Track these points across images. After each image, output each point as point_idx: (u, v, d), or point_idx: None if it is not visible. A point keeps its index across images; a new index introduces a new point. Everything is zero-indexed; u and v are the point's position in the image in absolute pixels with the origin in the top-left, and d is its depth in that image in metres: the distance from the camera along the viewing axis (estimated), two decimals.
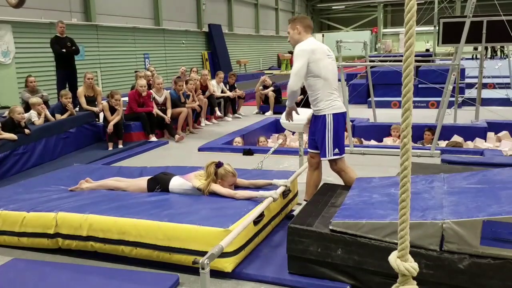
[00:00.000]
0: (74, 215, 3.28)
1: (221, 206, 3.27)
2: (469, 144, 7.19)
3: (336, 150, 3.58)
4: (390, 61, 10.64)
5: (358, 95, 11.12)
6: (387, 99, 10.83)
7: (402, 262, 1.51)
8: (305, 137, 6.37)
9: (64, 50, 8.53)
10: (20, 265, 3.14)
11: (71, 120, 6.93)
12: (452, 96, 7.36)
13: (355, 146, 6.26)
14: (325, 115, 3.56)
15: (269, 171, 4.44)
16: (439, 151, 5.73)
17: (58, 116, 6.87)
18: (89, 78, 7.74)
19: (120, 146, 6.94)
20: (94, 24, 13.93)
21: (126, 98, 7.73)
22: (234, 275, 2.86)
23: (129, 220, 3.09)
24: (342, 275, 2.64)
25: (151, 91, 7.80)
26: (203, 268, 2.35)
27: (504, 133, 7.41)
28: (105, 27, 14.36)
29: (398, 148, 1.49)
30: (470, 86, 11.02)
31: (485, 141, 7.22)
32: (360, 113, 9.04)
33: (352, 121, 7.47)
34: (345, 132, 4.27)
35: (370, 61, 8.99)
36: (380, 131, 7.92)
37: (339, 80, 4.46)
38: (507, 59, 12.52)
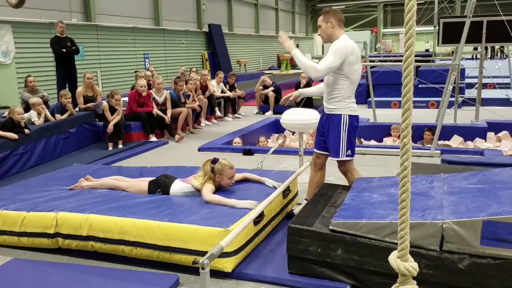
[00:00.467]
0: (74, 215, 3.28)
1: (221, 206, 3.26)
2: (469, 144, 7.19)
3: (349, 152, 3.56)
4: (390, 61, 10.66)
5: (358, 95, 11.04)
6: (387, 99, 10.83)
7: (402, 262, 1.51)
8: (305, 137, 6.39)
9: (64, 50, 8.53)
10: (20, 265, 3.14)
11: (71, 120, 6.93)
12: (452, 96, 7.36)
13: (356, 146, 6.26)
14: (341, 114, 3.51)
15: (269, 171, 4.44)
16: (439, 151, 5.73)
17: (58, 116, 6.87)
18: (89, 78, 7.74)
19: (120, 146, 6.94)
20: (94, 24, 13.93)
21: (126, 98, 7.74)
22: (234, 275, 2.86)
23: (129, 220, 3.09)
24: (342, 275, 2.64)
25: (151, 91, 7.80)
26: (203, 268, 2.35)
27: (504, 133, 7.42)
28: (105, 27, 14.35)
29: (398, 148, 1.49)
30: (470, 86, 11.02)
31: (485, 141, 7.22)
32: (360, 113, 8.98)
33: None
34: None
35: (370, 61, 9.00)
36: (380, 131, 7.92)
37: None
38: (507, 59, 12.52)
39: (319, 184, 3.78)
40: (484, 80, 9.37)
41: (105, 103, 7.16)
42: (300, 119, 4.35)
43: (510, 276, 2.26)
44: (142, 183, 3.86)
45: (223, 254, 2.67)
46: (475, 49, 21.16)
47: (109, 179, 4.06)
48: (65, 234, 3.28)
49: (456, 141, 7.20)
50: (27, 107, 6.95)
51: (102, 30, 14.21)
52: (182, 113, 7.83)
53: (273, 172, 4.33)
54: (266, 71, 21.46)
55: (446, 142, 7.18)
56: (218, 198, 3.33)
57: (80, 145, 6.98)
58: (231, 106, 10.00)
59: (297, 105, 9.35)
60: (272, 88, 10.28)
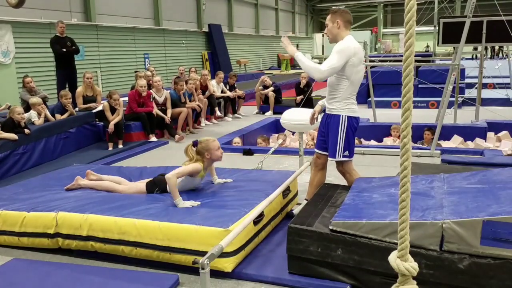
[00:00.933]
0: (74, 215, 3.28)
1: (221, 206, 3.27)
2: (469, 144, 7.19)
3: (346, 153, 3.56)
4: (390, 61, 10.65)
5: (358, 95, 11.03)
6: (387, 99, 10.83)
7: (402, 262, 1.52)
8: (305, 137, 6.39)
9: (64, 50, 8.53)
10: (20, 265, 3.14)
11: (71, 120, 6.94)
12: (452, 96, 7.36)
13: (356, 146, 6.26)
14: (340, 115, 3.52)
15: (269, 171, 4.45)
16: (439, 151, 5.73)
17: (58, 116, 6.87)
18: (88, 78, 7.74)
19: (120, 146, 6.94)
20: (94, 24, 13.93)
21: (126, 98, 7.74)
22: (234, 275, 2.86)
23: (129, 220, 3.09)
24: (342, 275, 2.64)
25: (151, 91, 7.80)
26: (203, 268, 2.35)
27: (504, 133, 7.42)
28: (105, 27, 14.36)
29: (398, 148, 1.49)
30: (470, 86, 11.03)
31: (485, 141, 7.22)
32: (360, 113, 8.97)
33: None
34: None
35: (370, 61, 9.00)
36: (380, 131, 7.92)
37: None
38: (507, 59, 12.52)
39: (319, 184, 3.78)
40: (484, 80, 9.38)
41: (105, 103, 7.17)
42: (300, 119, 4.35)
43: (510, 276, 2.26)
44: (140, 185, 3.88)
45: (223, 254, 2.67)
46: (475, 49, 21.16)
47: (107, 181, 4.05)
48: (65, 234, 3.27)
49: (456, 141, 7.20)
50: (27, 107, 6.96)
51: (102, 30, 14.22)
52: (182, 113, 7.83)
53: (273, 172, 4.33)
54: (266, 71, 21.49)
55: (440, 142, 7.13)
56: (174, 184, 3.37)
57: (80, 145, 6.98)
58: (231, 106, 10.00)
59: (297, 105, 9.37)
60: (272, 88, 10.28)
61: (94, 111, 7.55)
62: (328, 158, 3.66)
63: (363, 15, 37.60)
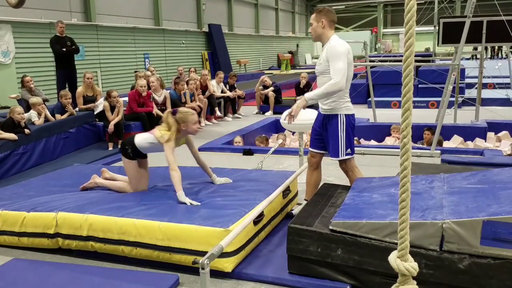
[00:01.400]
0: (74, 215, 3.28)
1: (221, 206, 3.27)
2: (469, 144, 7.19)
3: (349, 150, 3.58)
4: (390, 61, 10.66)
5: (358, 95, 11.10)
6: (387, 99, 10.83)
7: (402, 262, 1.51)
8: (305, 137, 6.39)
9: (64, 50, 8.53)
10: (20, 265, 3.14)
11: (71, 120, 6.93)
12: (452, 96, 7.36)
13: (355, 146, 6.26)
14: (338, 114, 3.53)
15: (269, 171, 4.44)
16: (439, 151, 5.73)
17: (58, 116, 6.87)
18: (89, 78, 7.74)
19: None
20: (94, 24, 13.93)
21: (126, 98, 7.74)
22: (234, 275, 2.86)
23: (129, 220, 3.09)
24: (342, 275, 2.64)
25: (151, 91, 7.80)
26: (203, 268, 2.35)
27: (504, 133, 7.42)
28: (105, 27, 14.36)
29: (398, 148, 1.49)
30: (470, 86, 11.02)
31: (485, 141, 7.22)
32: (360, 113, 8.98)
33: None
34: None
35: (370, 61, 9.00)
36: (380, 131, 7.92)
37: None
38: (507, 59, 12.52)
39: (316, 183, 3.78)
40: (484, 80, 9.37)
41: (106, 103, 7.17)
42: (300, 119, 4.35)
43: (510, 276, 2.26)
44: (142, 180, 3.89)
45: (223, 254, 2.67)
46: (475, 49, 21.15)
47: (120, 182, 4.06)
48: (65, 234, 3.28)
49: (456, 141, 7.20)
50: (27, 107, 6.95)
51: (102, 30, 14.22)
52: None
53: (273, 172, 4.33)
54: (266, 71, 21.47)
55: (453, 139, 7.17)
56: (178, 179, 3.44)
57: (80, 145, 6.97)
58: (231, 106, 10.00)
59: None
60: (272, 88, 10.28)
61: (95, 112, 7.55)
62: (331, 159, 3.67)
63: (363, 15, 37.61)
